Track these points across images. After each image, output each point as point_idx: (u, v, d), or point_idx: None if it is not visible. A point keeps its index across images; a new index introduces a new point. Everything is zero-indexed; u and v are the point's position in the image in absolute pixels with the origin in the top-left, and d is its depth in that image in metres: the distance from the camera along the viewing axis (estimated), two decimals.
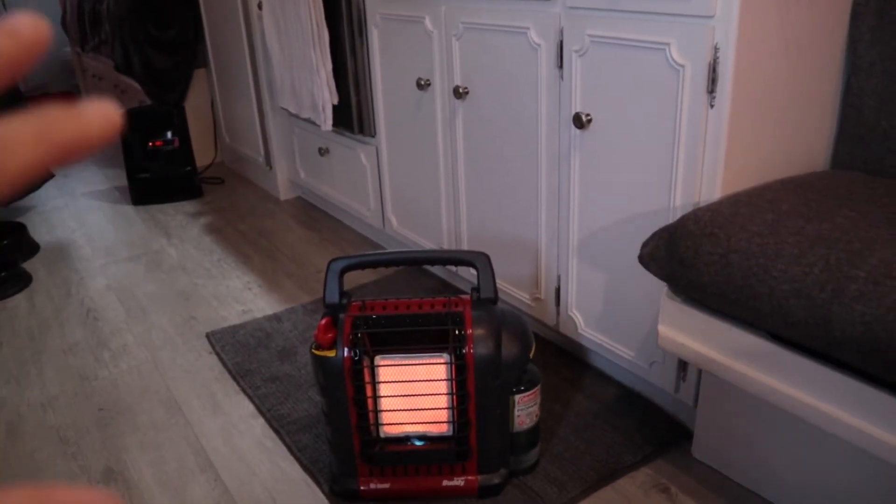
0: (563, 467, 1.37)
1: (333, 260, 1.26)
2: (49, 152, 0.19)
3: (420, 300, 1.25)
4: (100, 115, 0.20)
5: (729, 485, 1.34)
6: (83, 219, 2.89)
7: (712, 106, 1.19)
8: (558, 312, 1.64)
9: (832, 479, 1.17)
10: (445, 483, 1.29)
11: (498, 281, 1.79)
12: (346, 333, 1.21)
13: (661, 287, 1.35)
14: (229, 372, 1.76)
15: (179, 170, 3.00)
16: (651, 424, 1.47)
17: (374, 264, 1.25)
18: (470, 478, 1.29)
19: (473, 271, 1.87)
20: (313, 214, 2.78)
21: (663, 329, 1.22)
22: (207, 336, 1.93)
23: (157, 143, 2.96)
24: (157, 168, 2.97)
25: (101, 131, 0.20)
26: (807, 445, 1.19)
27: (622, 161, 1.36)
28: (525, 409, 1.29)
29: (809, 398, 1.05)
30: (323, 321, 1.23)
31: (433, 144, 1.89)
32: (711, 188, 1.23)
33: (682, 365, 1.38)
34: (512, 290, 1.76)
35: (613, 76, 1.33)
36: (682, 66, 1.21)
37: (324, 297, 1.25)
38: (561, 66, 1.43)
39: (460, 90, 1.70)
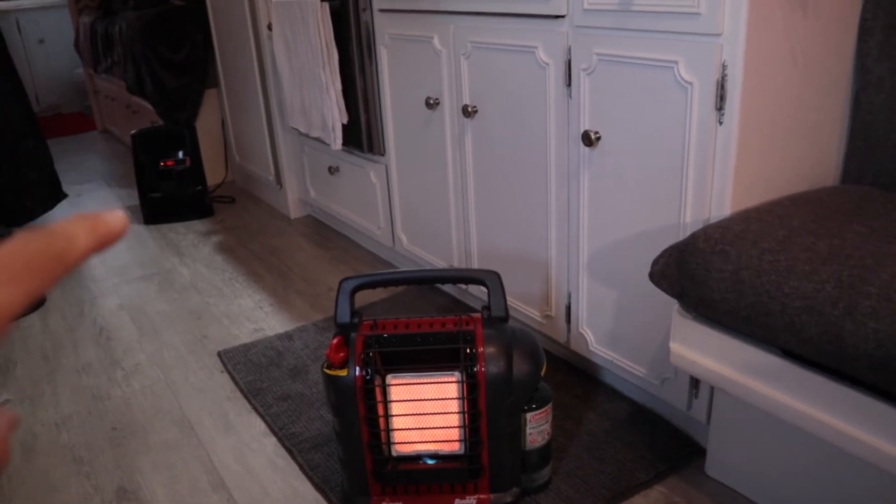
0: (575, 485, 1.36)
1: (345, 279, 1.26)
2: (96, 241, 0.29)
3: (431, 318, 1.25)
4: (119, 219, 0.30)
5: (742, 502, 1.33)
6: None
7: (721, 123, 1.19)
8: (569, 329, 1.64)
9: (846, 496, 1.16)
10: (458, 502, 1.29)
11: (508, 298, 1.80)
12: (357, 353, 1.21)
13: (671, 304, 1.35)
14: (241, 391, 1.77)
15: (191, 189, 3.02)
16: (664, 442, 1.47)
17: (385, 283, 1.26)
18: (482, 496, 1.29)
19: (484, 289, 1.87)
20: (324, 233, 2.80)
21: (675, 346, 1.21)
22: (219, 355, 1.94)
23: (169, 162, 2.98)
24: (168, 187, 3.00)
25: (120, 230, 0.30)
26: (820, 462, 1.18)
27: (631, 178, 1.37)
28: (537, 428, 1.28)
29: (822, 415, 1.05)
30: (334, 340, 1.23)
31: (442, 162, 1.90)
32: (721, 204, 1.23)
33: (695, 382, 1.37)
34: (522, 307, 1.76)
35: (622, 94, 1.33)
36: (691, 83, 1.21)
37: (335, 316, 1.26)
38: (569, 85, 1.44)
39: (469, 109, 1.71)
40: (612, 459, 1.43)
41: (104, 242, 0.30)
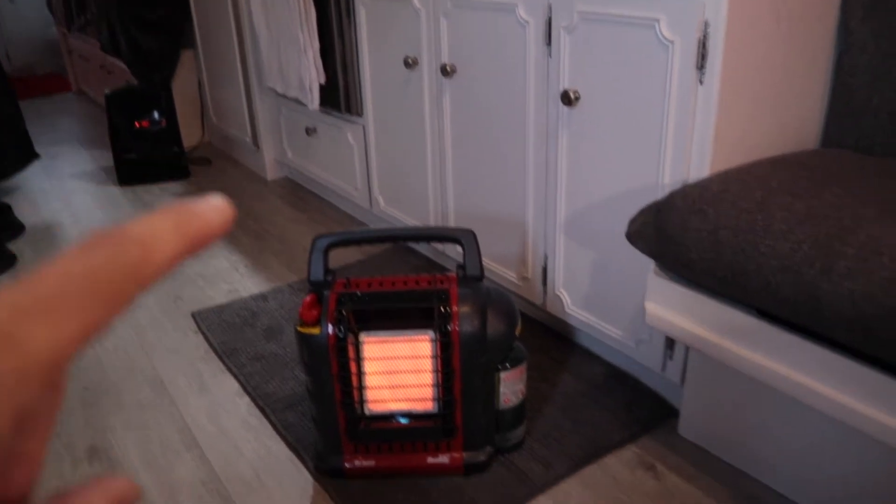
0: (549, 445, 1.36)
1: (318, 237, 1.24)
2: (185, 244, 0.22)
3: (405, 277, 1.24)
4: (218, 210, 0.23)
5: (715, 462, 1.34)
6: (69, 199, 2.86)
7: (702, 83, 1.18)
8: (545, 291, 1.63)
9: (818, 455, 1.17)
10: (431, 460, 1.29)
11: (485, 260, 1.78)
12: (330, 310, 1.20)
13: (648, 266, 1.34)
14: (215, 351, 1.75)
15: (166, 150, 2.97)
16: (638, 403, 1.47)
17: (358, 241, 1.24)
18: (455, 455, 1.29)
19: (460, 249, 1.86)
20: (300, 194, 2.76)
21: (650, 306, 1.21)
22: (193, 316, 1.92)
23: (144, 123, 2.92)
24: (143, 149, 2.94)
25: (220, 224, 0.23)
26: (793, 423, 1.19)
27: (610, 138, 1.35)
28: (511, 387, 1.28)
29: (797, 374, 1.05)
30: (307, 298, 1.21)
31: (420, 123, 1.87)
32: (701, 165, 1.22)
33: (670, 343, 1.37)
34: (499, 269, 1.75)
35: (602, 53, 1.31)
36: (672, 42, 1.19)
37: (308, 274, 1.24)
38: (549, 43, 1.41)
39: (448, 68, 1.68)
40: (586, 420, 1.43)
41: (197, 245, 0.22)
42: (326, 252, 1.24)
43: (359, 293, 1.21)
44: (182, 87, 3.26)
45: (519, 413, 1.32)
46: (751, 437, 1.27)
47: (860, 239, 0.96)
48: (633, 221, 1.19)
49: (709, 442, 1.35)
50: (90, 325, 0.19)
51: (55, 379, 0.19)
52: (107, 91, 2.91)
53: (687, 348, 1.34)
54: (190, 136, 3.32)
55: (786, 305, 1.00)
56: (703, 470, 1.32)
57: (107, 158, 3.27)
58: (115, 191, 2.92)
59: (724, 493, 1.27)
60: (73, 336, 0.19)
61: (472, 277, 1.23)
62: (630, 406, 1.46)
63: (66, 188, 2.99)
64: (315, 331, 1.19)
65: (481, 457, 1.29)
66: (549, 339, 1.71)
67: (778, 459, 1.23)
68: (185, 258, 0.22)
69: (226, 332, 1.81)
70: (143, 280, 0.20)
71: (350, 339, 1.20)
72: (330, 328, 1.19)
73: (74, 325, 0.19)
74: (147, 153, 2.94)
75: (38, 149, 2.92)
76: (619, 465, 1.34)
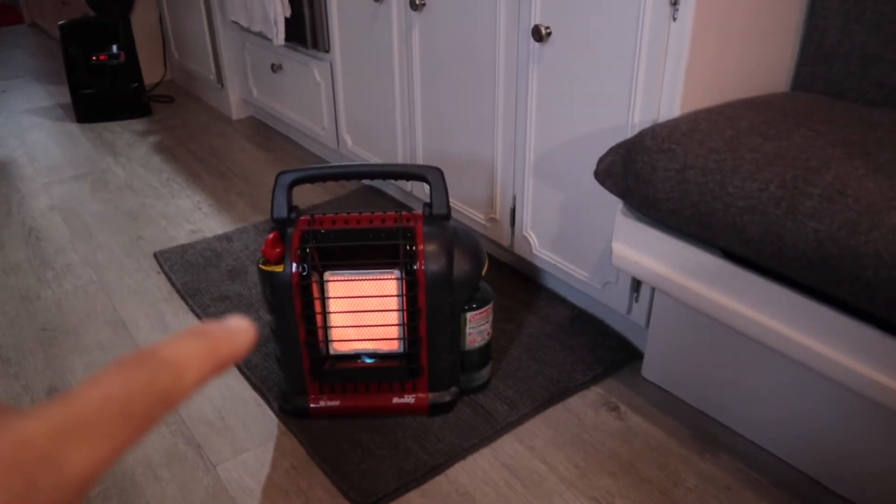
0: (514, 386, 1.37)
1: (282, 173, 1.21)
2: (213, 369, 0.23)
3: (371, 215, 1.21)
4: (244, 334, 0.24)
5: (677, 404, 1.35)
6: (24, 137, 2.76)
7: (675, 19, 1.15)
8: (513, 233, 1.62)
9: (779, 397, 1.18)
10: (396, 400, 1.29)
11: (453, 201, 1.76)
12: (294, 248, 1.17)
13: (616, 207, 1.34)
14: (178, 292, 1.72)
15: (126, 86, 2.87)
16: (603, 345, 1.48)
17: (323, 178, 1.21)
18: (420, 395, 1.29)
19: (427, 189, 1.84)
20: (266, 134, 2.70)
21: (617, 246, 1.20)
22: (155, 256, 1.88)
23: (102, 57, 2.82)
24: (102, 84, 2.84)
25: (246, 348, 0.24)
26: (754, 366, 1.20)
27: (581, 76, 1.32)
28: (477, 328, 1.27)
29: (760, 316, 1.05)
30: (270, 236, 1.19)
31: (389, 60, 1.83)
32: (671, 105, 1.20)
33: (636, 286, 1.37)
34: (467, 210, 1.73)
35: None
36: None
37: (272, 211, 1.21)
38: None
39: (417, 2, 1.63)
40: (552, 361, 1.43)
41: (222, 368, 0.23)
42: (290, 189, 1.21)
43: (323, 230, 1.18)
44: (142, 20, 3.14)
45: (485, 354, 1.32)
46: (713, 380, 1.28)
47: (826, 180, 0.95)
48: (601, 160, 1.17)
49: (672, 384, 1.36)
50: (122, 446, 0.20)
51: (84, 492, 0.20)
52: (61, 22, 2.80)
53: (652, 291, 1.34)
54: (151, 72, 3.22)
55: (751, 246, 1.00)
56: (666, 411, 1.34)
57: (64, 94, 3.16)
58: (73, 128, 2.83)
59: (686, 433, 1.29)
60: (107, 456, 0.20)
61: (438, 216, 1.21)
62: (595, 348, 1.47)
63: (22, 124, 2.88)
64: (278, 269, 1.17)
65: (447, 397, 1.29)
66: (515, 280, 1.71)
67: (739, 401, 1.25)
68: (214, 376, 0.23)
69: (189, 273, 1.77)
70: (172, 403, 0.22)
71: (314, 277, 1.18)
72: (294, 266, 1.17)
73: (109, 446, 0.20)
74: (105, 89, 2.85)
75: None
76: (584, 406, 1.35)
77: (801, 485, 1.18)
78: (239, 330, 0.24)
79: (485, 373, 1.35)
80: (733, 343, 1.22)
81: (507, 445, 1.27)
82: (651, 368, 1.40)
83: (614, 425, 1.31)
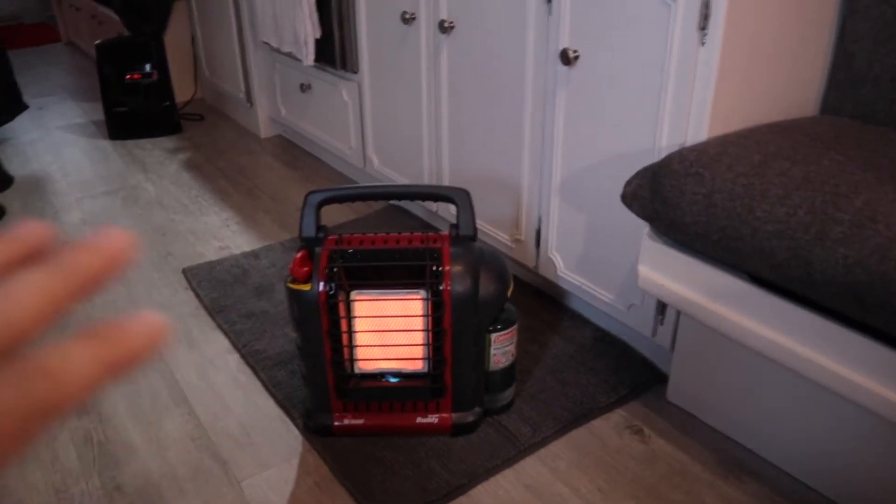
0: (537, 407, 1.37)
1: (311, 193, 1.23)
2: (103, 372, 0.21)
3: (398, 235, 1.22)
4: (147, 333, 0.21)
5: (702, 428, 1.34)
6: (59, 152, 2.82)
7: (703, 44, 1.15)
8: (538, 254, 1.62)
9: (805, 422, 1.17)
10: (419, 420, 1.29)
11: (478, 221, 1.77)
12: (321, 267, 1.18)
13: (642, 230, 1.34)
14: (205, 308, 1.74)
15: (158, 104, 2.93)
16: (627, 367, 1.47)
17: (352, 198, 1.23)
18: (444, 415, 1.29)
19: (454, 210, 1.85)
20: (294, 152, 2.73)
21: (643, 269, 1.20)
22: (184, 272, 1.90)
23: (135, 75, 2.87)
24: (135, 102, 2.90)
25: (147, 350, 0.21)
26: (781, 390, 1.19)
27: (609, 99, 1.33)
28: (501, 349, 1.28)
29: (787, 341, 1.05)
30: (298, 254, 1.20)
31: (416, 81, 1.85)
32: (699, 129, 1.20)
33: (661, 308, 1.37)
34: (492, 230, 1.74)
35: (602, 11, 1.29)
36: (674, 1, 1.17)
37: (300, 230, 1.22)
38: (549, 1, 1.38)
39: (445, 24, 1.65)
40: (575, 383, 1.43)
41: (119, 371, 0.21)
42: (319, 208, 1.22)
43: (350, 250, 1.20)
44: (175, 40, 3.20)
45: (509, 375, 1.32)
46: (739, 404, 1.27)
47: (856, 206, 0.95)
48: (628, 183, 1.18)
49: (696, 407, 1.35)
50: None
51: None
52: (97, 42, 2.86)
53: (678, 314, 1.33)
54: (182, 90, 3.28)
55: (778, 271, 0.99)
56: (691, 435, 1.33)
57: (97, 111, 3.23)
58: (105, 144, 2.89)
59: (711, 457, 1.28)
60: None
61: (465, 237, 1.22)
62: (619, 370, 1.47)
63: (56, 141, 2.95)
64: (306, 287, 1.19)
65: (470, 417, 1.30)
66: (540, 301, 1.71)
67: (765, 426, 1.24)
68: (108, 382, 0.21)
69: (216, 289, 1.80)
70: (53, 411, 0.20)
71: (341, 296, 1.20)
72: (321, 285, 1.18)
73: None
74: (138, 106, 2.90)
75: (26, 100, 2.88)
76: (607, 428, 1.35)
77: None
78: (141, 329, 0.22)
79: (508, 394, 1.35)
80: (758, 367, 1.21)
81: (530, 467, 1.26)
82: (676, 392, 1.39)
83: (638, 448, 1.30)
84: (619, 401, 1.40)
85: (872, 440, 1.08)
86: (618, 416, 1.38)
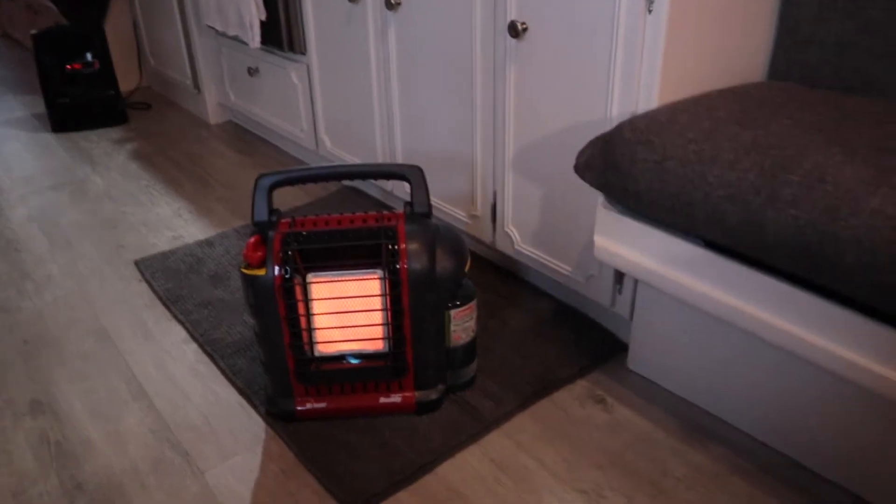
0: (500, 382, 1.37)
1: (261, 176, 1.20)
2: None
3: (352, 215, 1.21)
4: None
5: (663, 394, 1.36)
6: (0, 148, 2.73)
7: (650, 11, 1.15)
8: (494, 229, 1.62)
9: (764, 385, 1.19)
10: (383, 400, 1.28)
11: (434, 199, 1.76)
12: (275, 251, 1.17)
13: (597, 200, 1.34)
14: (160, 299, 1.71)
15: (102, 94, 2.85)
16: (587, 338, 1.48)
17: (303, 180, 1.21)
18: (407, 394, 1.28)
19: (408, 188, 1.83)
20: (245, 138, 2.69)
21: (599, 239, 1.21)
22: (136, 263, 1.86)
23: (76, 65, 2.79)
24: (77, 93, 2.81)
25: None
26: (739, 354, 1.21)
27: (559, 71, 1.33)
28: (461, 325, 1.27)
29: (742, 304, 1.06)
30: (252, 239, 1.18)
31: (365, 60, 1.82)
32: (649, 98, 1.21)
33: (618, 278, 1.38)
34: (448, 207, 1.73)
35: None
36: None
37: (252, 215, 1.20)
38: None
39: (392, 1, 1.63)
40: (537, 356, 1.43)
41: None
42: (270, 191, 1.20)
43: (304, 232, 1.18)
44: (115, 26, 3.12)
45: (470, 350, 1.32)
46: (699, 369, 1.29)
47: (805, 167, 0.96)
48: (581, 153, 1.18)
49: (657, 374, 1.37)
50: None
51: None
52: (34, 32, 2.77)
53: (635, 283, 1.34)
54: (127, 79, 3.19)
55: (732, 234, 1.00)
56: (653, 402, 1.34)
57: (38, 104, 3.14)
58: (48, 138, 2.80)
59: (674, 423, 1.29)
60: None
61: (420, 214, 1.21)
62: (579, 341, 1.47)
63: None
64: (260, 272, 1.17)
65: (433, 395, 1.29)
66: (498, 276, 1.71)
67: (726, 390, 1.26)
68: None
69: (170, 280, 1.76)
70: None
71: (297, 279, 1.18)
72: (276, 269, 1.16)
73: None
74: (81, 97, 2.82)
75: None
76: (570, 399, 1.35)
77: (789, 470, 1.19)
78: None
79: (471, 370, 1.35)
80: (717, 332, 1.23)
81: (496, 441, 1.27)
82: (636, 360, 1.40)
83: (601, 418, 1.31)
84: (580, 371, 1.41)
85: (831, 400, 1.11)
86: (580, 386, 1.39)
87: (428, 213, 1.21)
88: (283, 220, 1.21)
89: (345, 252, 1.18)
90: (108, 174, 2.44)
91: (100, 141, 2.75)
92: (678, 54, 1.19)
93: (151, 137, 2.75)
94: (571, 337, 1.49)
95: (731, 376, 1.23)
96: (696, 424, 1.29)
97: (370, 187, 2.15)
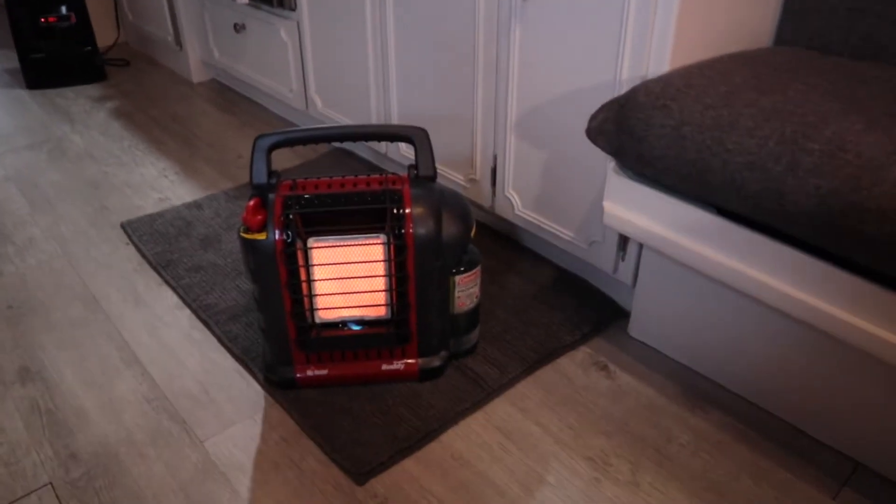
0: (502, 349, 1.35)
1: (260, 136, 1.16)
2: None
3: (355, 178, 1.17)
4: None
5: (665, 361, 1.35)
6: None
7: None
8: (494, 193, 1.59)
9: (765, 351, 1.19)
10: (385, 367, 1.26)
11: None
12: (276, 215, 1.13)
13: (602, 165, 1.31)
14: (149, 263, 1.66)
15: (78, 49, 2.75)
16: (588, 304, 1.47)
17: (303, 140, 1.16)
18: (410, 361, 1.26)
19: (406, 152, 1.80)
20: (230, 97, 2.62)
21: (609, 205, 1.18)
22: (122, 226, 1.81)
23: (51, 18, 2.68)
24: (52, 48, 2.71)
25: None
26: (742, 321, 1.20)
27: (566, 32, 1.29)
28: (465, 291, 1.25)
29: (756, 272, 1.05)
30: (251, 202, 1.14)
31: (361, 16, 1.76)
32: (660, 61, 1.18)
33: (622, 244, 1.36)
34: (446, 171, 1.70)
35: None
36: None
37: (251, 176, 1.16)
38: None
39: None
40: (538, 322, 1.42)
41: None
42: (269, 152, 1.16)
43: (306, 195, 1.14)
44: None
45: (473, 317, 1.30)
46: (701, 336, 1.28)
47: (825, 135, 0.94)
48: (593, 118, 1.15)
49: (659, 341, 1.36)
50: None
51: None
52: None
53: (639, 249, 1.33)
54: (104, 35, 3.09)
55: (750, 202, 0.99)
56: (655, 368, 1.34)
57: (11, 59, 3.03)
58: (23, 94, 2.71)
59: (676, 389, 1.29)
60: None
61: (424, 178, 1.18)
62: (580, 308, 1.46)
63: None
64: (261, 237, 1.13)
65: (436, 362, 1.27)
66: (497, 242, 1.68)
67: (727, 356, 1.25)
68: None
69: (159, 243, 1.71)
70: None
71: (298, 244, 1.15)
72: (277, 233, 1.13)
73: None
74: (56, 52, 2.72)
75: None
76: (573, 366, 1.34)
77: (790, 436, 1.19)
78: None
79: (473, 336, 1.33)
80: (721, 299, 1.22)
81: (500, 408, 1.25)
82: (638, 326, 1.39)
83: (604, 384, 1.30)
84: (582, 338, 1.39)
85: (835, 367, 1.10)
86: (582, 353, 1.38)
87: (433, 177, 1.18)
88: (283, 183, 1.17)
89: (348, 216, 1.15)
90: (87, 133, 2.36)
91: (77, 98, 2.66)
92: (691, 16, 1.16)
93: (132, 95, 2.67)
94: (573, 303, 1.47)
95: (733, 343, 1.23)
96: (698, 391, 1.29)
97: (362, 149, 2.11)
